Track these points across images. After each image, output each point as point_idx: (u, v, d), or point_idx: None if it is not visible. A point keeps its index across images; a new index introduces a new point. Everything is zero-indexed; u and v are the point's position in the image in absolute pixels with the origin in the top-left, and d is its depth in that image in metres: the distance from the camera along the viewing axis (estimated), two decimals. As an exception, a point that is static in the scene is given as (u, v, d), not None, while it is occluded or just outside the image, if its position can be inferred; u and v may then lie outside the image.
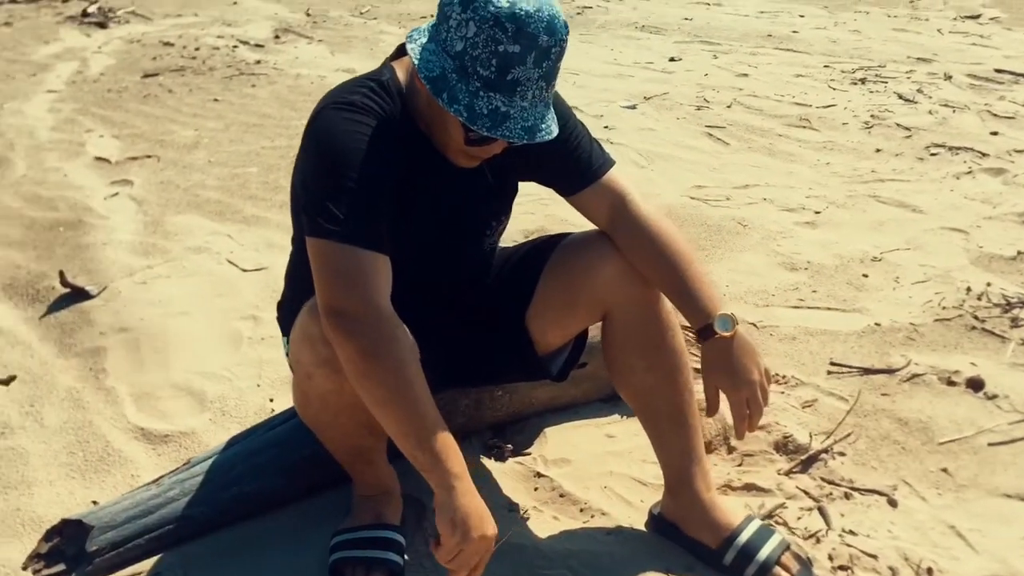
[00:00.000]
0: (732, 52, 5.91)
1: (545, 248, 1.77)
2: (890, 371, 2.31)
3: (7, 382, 2.41)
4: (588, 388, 2.18)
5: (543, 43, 1.39)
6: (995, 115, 4.41)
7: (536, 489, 1.95)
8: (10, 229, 3.36)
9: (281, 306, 1.84)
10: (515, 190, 1.77)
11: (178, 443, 2.14)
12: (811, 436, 2.07)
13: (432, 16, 1.52)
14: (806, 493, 1.91)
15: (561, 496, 1.92)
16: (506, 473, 1.99)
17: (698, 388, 1.71)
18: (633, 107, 4.71)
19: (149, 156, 4.16)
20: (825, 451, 2.03)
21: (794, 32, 6.47)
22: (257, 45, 6.42)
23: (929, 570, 1.69)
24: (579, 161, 1.68)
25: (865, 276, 2.84)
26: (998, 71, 5.16)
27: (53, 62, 6.05)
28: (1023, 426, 2.08)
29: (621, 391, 1.80)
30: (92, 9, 7.50)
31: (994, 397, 2.19)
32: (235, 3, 8.00)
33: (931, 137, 4.12)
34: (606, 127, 4.34)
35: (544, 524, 1.84)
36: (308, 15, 7.51)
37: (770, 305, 2.70)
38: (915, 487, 1.93)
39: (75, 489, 2.01)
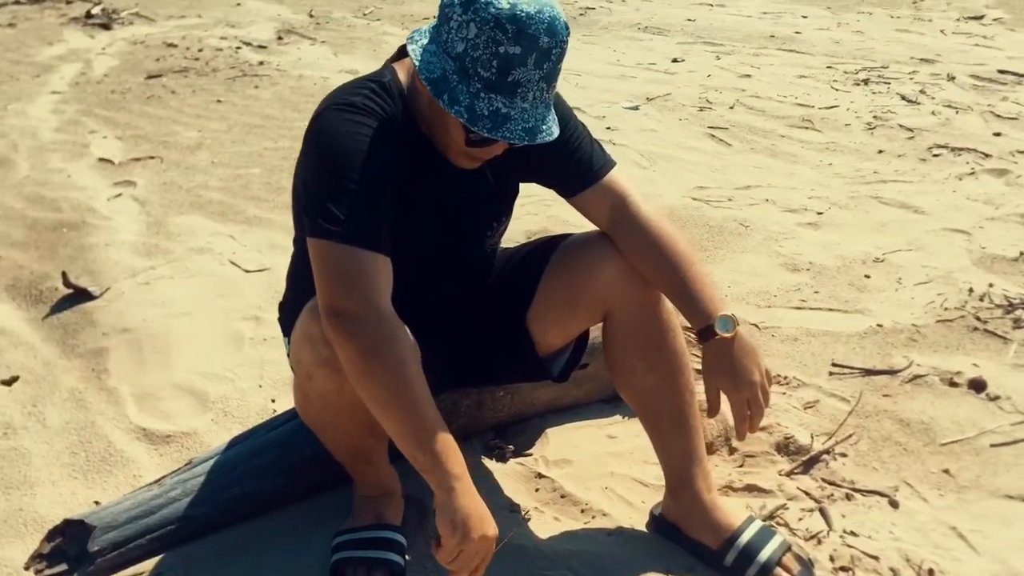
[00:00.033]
0: (735, 53, 5.90)
1: (546, 249, 1.77)
2: (892, 372, 2.31)
3: (10, 383, 2.41)
4: (590, 389, 2.18)
5: (544, 44, 1.40)
6: (998, 116, 4.40)
7: (537, 490, 1.95)
8: (13, 230, 3.37)
9: (282, 307, 1.84)
10: (516, 191, 1.77)
11: (180, 443, 2.14)
12: (812, 437, 2.06)
13: (434, 17, 1.52)
14: (807, 494, 1.91)
15: (562, 497, 1.93)
16: (507, 474, 1.99)
17: (699, 389, 1.71)
18: (635, 108, 4.71)
19: (152, 157, 4.16)
20: (826, 452, 2.02)
21: (797, 33, 6.46)
22: (260, 46, 6.43)
23: (930, 571, 1.69)
24: (580, 162, 1.68)
25: (867, 277, 2.83)
26: (1001, 72, 5.15)
27: (57, 63, 6.06)
28: (1025, 427, 2.08)
29: (622, 392, 1.80)
30: (96, 11, 7.51)
31: (996, 398, 2.19)
32: (238, 4, 8.00)
33: (934, 138, 4.12)
34: (608, 128, 4.34)
35: (545, 525, 1.84)
36: (311, 16, 7.51)
37: (772, 306, 2.70)
38: (917, 488, 1.93)
39: (77, 489, 2.01)
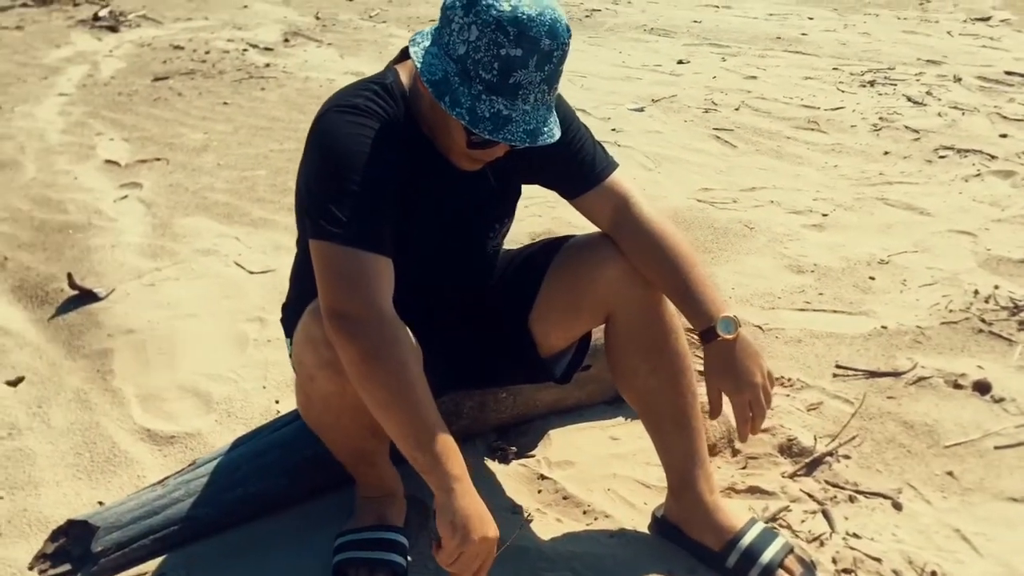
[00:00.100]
0: (741, 54, 5.90)
1: (548, 251, 1.77)
2: (896, 374, 2.31)
3: (15, 383, 2.42)
4: (592, 390, 2.18)
5: (545, 47, 1.40)
6: (1004, 117, 4.39)
7: (540, 491, 1.95)
8: (20, 231, 3.38)
9: (285, 308, 1.85)
10: (518, 193, 1.77)
11: (184, 444, 2.15)
12: (816, 439, 2.06)
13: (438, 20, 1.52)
14: (810, 496, 1.90)
15: (565, 498, 1.93)
16: (510, 475, 2.00)
17: (701, 390, 1.71)
18: (641, 110, 4.71)
19: (158, 159, 4.18)
20: (830, 454, 2.02)
21: (803, 34, 6.45)
22: (266, 48, 6.45)
23: (933, 573, 1.69)
24: (582, 164, 1.68)
25: (872, 279, 2.83)
26: (1008, 73, 5.13)
27: (64, 65, 6.08)
28: (1029, 429, 2.08)
29: (624, 393, 1.80)
30: (103, 13, 7.54)
31: (1001, 400, 2.18)
32: (245, 7, 8.03)
33: (940, 139, 4.11)
34: (613, 129, 4.34)
35: (547, 526, 1.84)
36: (317, 18, 7.53)
37: (776, 308, 2.69)
38: (920, 490, 1.92)
39: (81, 490, 2.02)
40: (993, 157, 3.85)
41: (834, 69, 5.42)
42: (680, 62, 5.73)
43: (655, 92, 5.02)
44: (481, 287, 1.80)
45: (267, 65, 5.95)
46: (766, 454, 2.03)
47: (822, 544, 1.77)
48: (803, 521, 1.83)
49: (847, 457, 2.02)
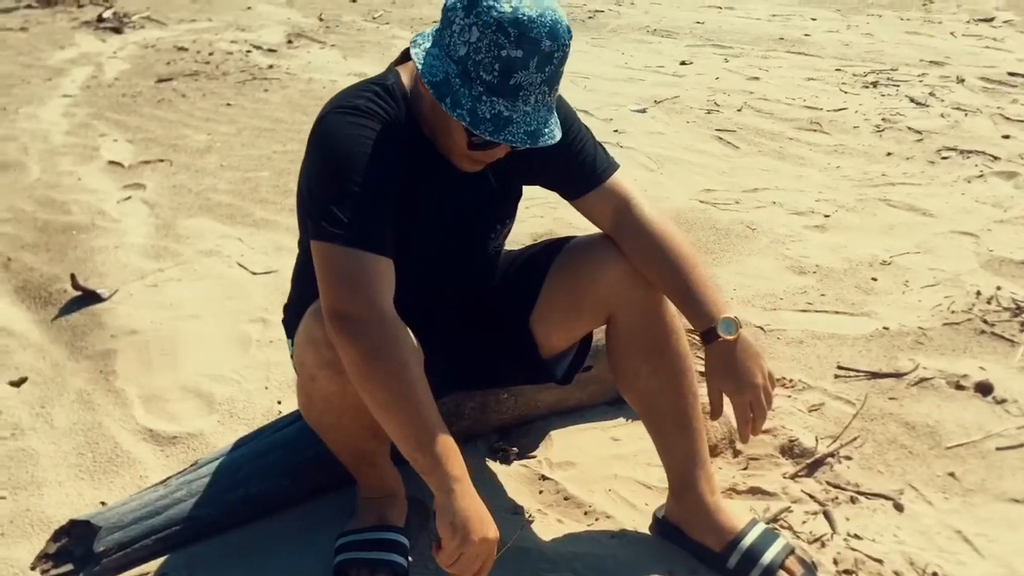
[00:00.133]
0: (743, 55, 5.90)
1: (549, 251, 1.77)
2: (898, 375, 2.31)
3: (18, 384, 2.43)
4: (594, 391, 2.19)
5: (545, 48, 1.40)
6: (1007, 118, 4.39)
7: (541, 492, 1.96)
8: (24, 232, 3.39)
9: (287, 309, 1.85)
10: (519, 194, 1.78)
11: (186, 445, 2.15)
12: (817, 440, 2.06)
13: (441, 21, 1.52)
14: (811, 497, 1.90)
15: (566, 499, 1.93)
16: (511, 476, 2.00)
17: (702, 391, 1.71)
18: (643, 111, 4.71)
19: (162, 160, 4.19)
20: (831, 455, 2.02)
21: (806, 35, 6.45)
22: (270, 50, 6.46)
23: (935, 574, 1.69)
24: (583, 165, 1.68)
25: (874, 280, 2.83)
26: (1011, 74, 5.13)
27: (68, 67, 6.10)
28: (1031, 431, 2.08)
29: (625, 394, 1.80)
30: (107, 14, 7.56)
31: (1003, 401, 2.18)
32: (249, 8, 8.04)
33: (942, 141, 4.10)
34: (616, 131, 4.34)
35: (548, 527, 1.84)
36: (321, 20, 7.54)
37: (778, 309, 2.69)
38: (922, 491, 1.92)
39: (84, 490, 2.02)
40: (996, 158, 3.85)
41: (837, 70, 5.42)
42: (683, 63, 5.73)
43: (658, 93, 5.03)
44: (482, 288, 1.81)
45: (270, 66, 5.96)
46: (767, 455, 2.03)
47: (823, 545, 1.77)
48: (804, 522, 1.83)
49: (848, 458, 2.02)
